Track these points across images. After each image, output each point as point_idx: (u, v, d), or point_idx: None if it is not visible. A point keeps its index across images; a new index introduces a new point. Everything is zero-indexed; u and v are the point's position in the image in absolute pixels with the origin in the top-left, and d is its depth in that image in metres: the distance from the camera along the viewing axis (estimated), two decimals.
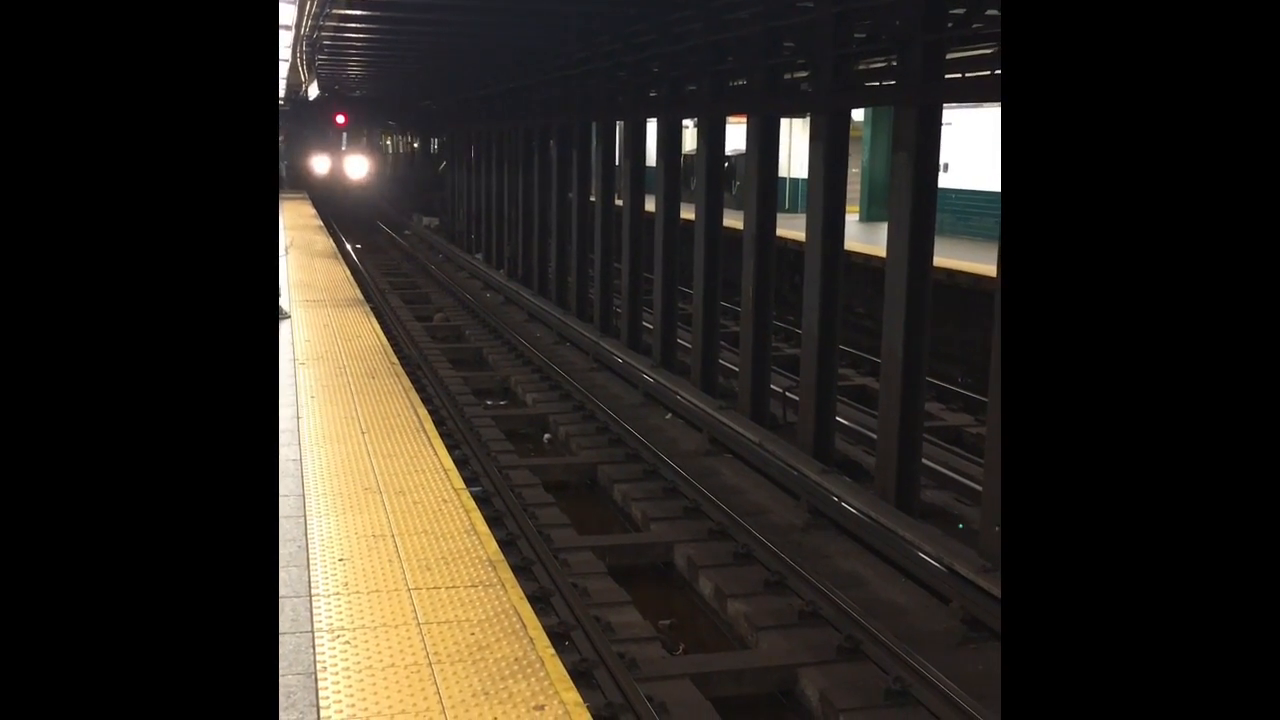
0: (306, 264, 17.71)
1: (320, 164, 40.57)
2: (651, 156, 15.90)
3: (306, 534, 5.83)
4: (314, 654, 4.49)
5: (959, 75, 8.51)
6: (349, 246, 26.47)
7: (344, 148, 41.33)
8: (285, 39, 19.90)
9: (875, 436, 9.68)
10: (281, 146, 38.32)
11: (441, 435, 8.13)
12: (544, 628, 4.87)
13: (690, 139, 16.85)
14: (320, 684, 4.24)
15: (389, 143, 45.86)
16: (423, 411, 8.60)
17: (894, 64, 9.28)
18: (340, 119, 39.15)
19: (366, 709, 4.06)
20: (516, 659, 4.48)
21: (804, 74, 10.87)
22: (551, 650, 4.60)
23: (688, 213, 13.37)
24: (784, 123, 13.17)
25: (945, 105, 8.91)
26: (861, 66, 10.10)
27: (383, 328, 12.66)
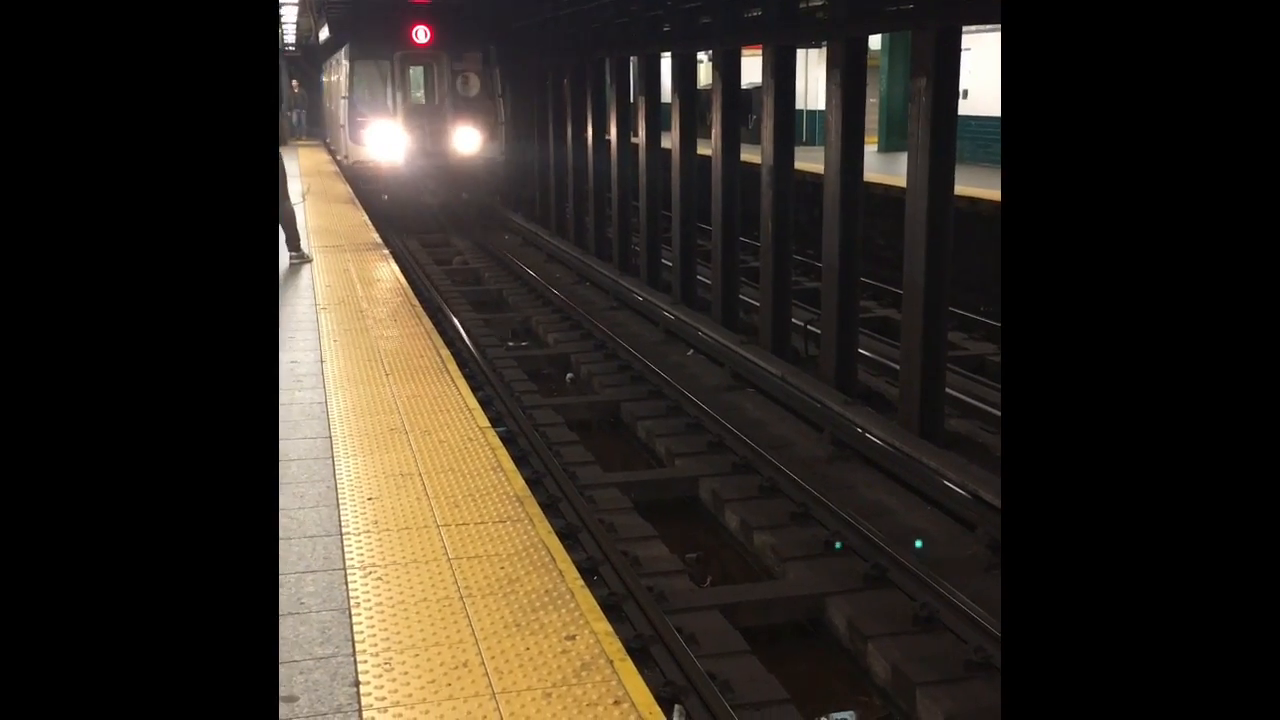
0: (324, 210, 17.69)
1: (383, 139, 20.51)
2: (666, 92, 15.75)
3: (335, 474, 5.88)
4: (347, 590, 4.54)
5: None
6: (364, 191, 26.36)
7: (434, 98, 20.89)
8: None
9: (898, 367, 9.67)
10: (298, 94, 37.18)
11: (465, 376, 8.15)
12: (573, 563, 4.91)
13: (705, 73, 16.67)
14: (354, 619, 4.30)
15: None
16: (445, 353, 8.62)
17: None
18: (423, 34, 20.10)
19: (401, 641, 4.11)
20: (547, 591, 4.52)
21: (819, 2, 10.69)
22: (581, 582, 4.64)
23: (705, 148, 13.26)
24: (800, 54, 13.01)
25: (965, 28, 8.76)
26: None
27: (402, 271, 12.67)
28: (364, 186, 20.29)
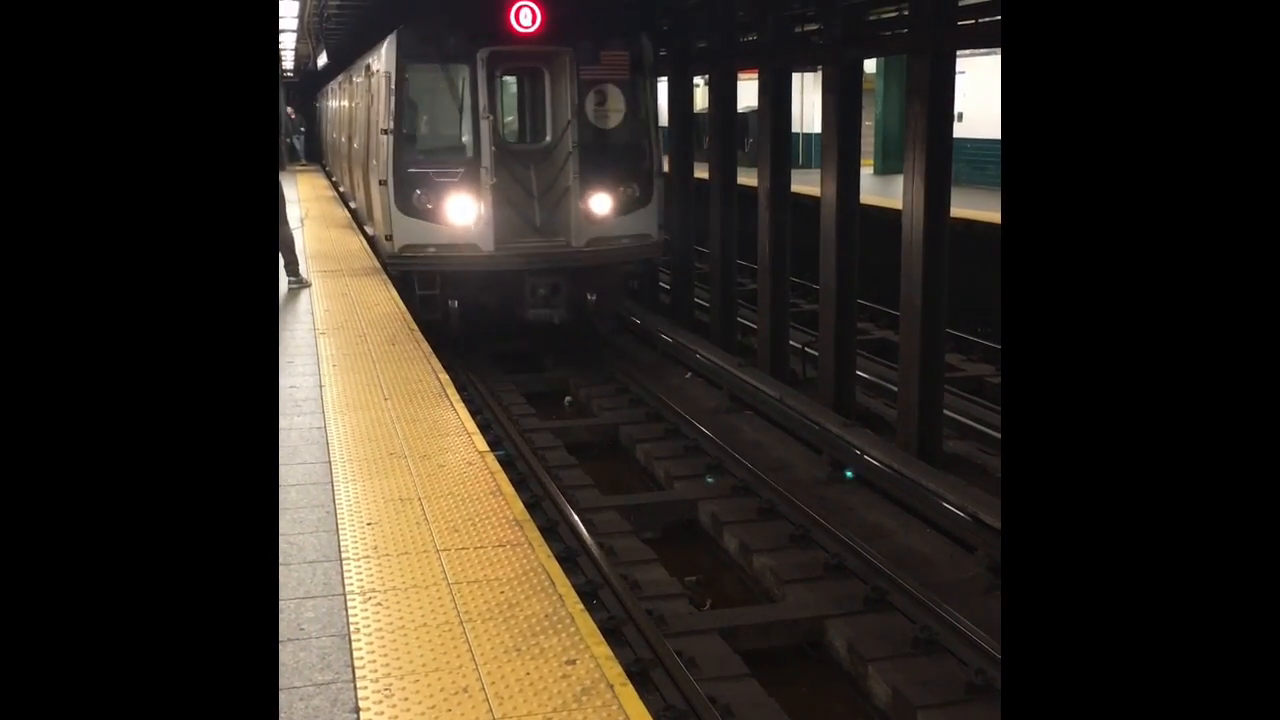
0: (322, 235, 17.73)
1: (456, 206, 11.35)
2: (663, 116, 15.82)
3: (334, 499, 5.88)
4: (346, 616, 4.53)
5: (972, 21, 8.44)
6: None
7: (546, 131, 11.83)
8: (290, 9, 19.82)
9: (896, 389, 9.68)
10: (294, 119, 36.99)
11: (464, 400, 8.15)
12: (573, 587, 4.90)
13: (701, 97, 16.75)
14: (354, 645, 4.29)
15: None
16: (444, 377, 8.62)
17: (905, 12, 9.19)
18: (528, 15, 10.98)
19: (400, 667, 4.11)
20: (546, 615, 4.52)
21: (815, 26, 10.77)
22: (581, 606, 4.63)
23: (700, 172, 13.31)
24: (796, 78, 13.09)
25: (958, 53, 8.83)
26: (873, 16, 10.01)
27: (400, 295, 12.66)
28: (421, 291, 11.77)
